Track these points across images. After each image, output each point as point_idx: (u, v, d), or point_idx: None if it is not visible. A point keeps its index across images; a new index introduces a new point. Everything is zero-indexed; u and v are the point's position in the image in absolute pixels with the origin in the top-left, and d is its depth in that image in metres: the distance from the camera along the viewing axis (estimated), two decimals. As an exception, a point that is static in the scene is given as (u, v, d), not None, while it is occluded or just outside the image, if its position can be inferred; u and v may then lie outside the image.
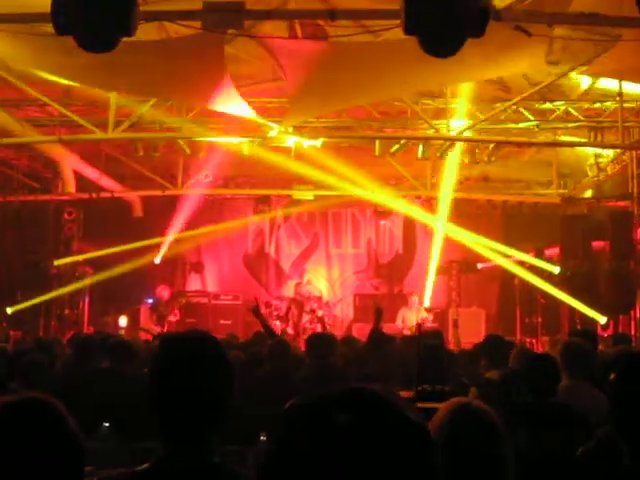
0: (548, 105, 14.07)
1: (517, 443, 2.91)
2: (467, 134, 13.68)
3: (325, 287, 20.10)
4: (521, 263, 17.45)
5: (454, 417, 2.73)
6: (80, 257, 17.95)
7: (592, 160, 16.06)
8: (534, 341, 17.68)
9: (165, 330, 16.79)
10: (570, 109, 14.14)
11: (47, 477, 1.86)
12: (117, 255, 17.76)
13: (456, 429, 2.69)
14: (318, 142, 14.02)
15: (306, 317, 17.83)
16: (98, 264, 18.24)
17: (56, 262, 17.27)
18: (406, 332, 16.00)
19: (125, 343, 7.62)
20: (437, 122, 13.91)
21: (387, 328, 16.20)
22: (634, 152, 14.83)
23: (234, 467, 2.47)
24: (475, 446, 2.68)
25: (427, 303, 18.49)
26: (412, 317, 17.15)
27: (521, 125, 14.48)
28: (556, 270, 16.53)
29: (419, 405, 4.08)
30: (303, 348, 9.07)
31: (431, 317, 17.69)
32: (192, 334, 2.71)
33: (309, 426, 1.28)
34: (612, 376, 2.74)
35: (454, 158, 15.18)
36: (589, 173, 16.54)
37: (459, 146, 14.65)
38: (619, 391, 2.70)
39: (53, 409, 1.96)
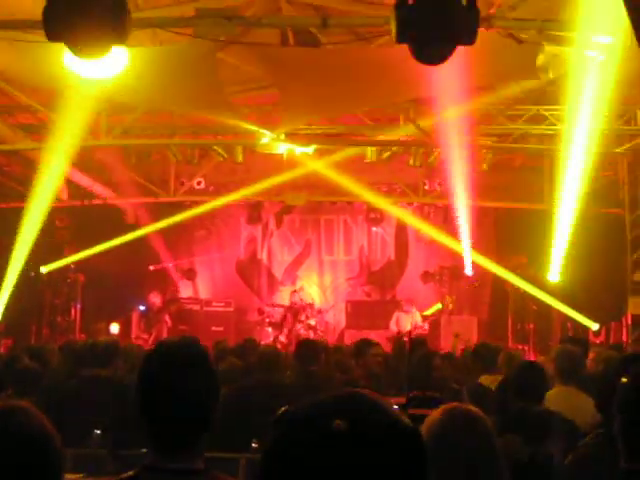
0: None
1: (507, 449, 2.93)
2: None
3: (317, 294, 20.08)
4: (514, 269, 17.46)
5: (447, 421, 2.76)
6: (68, 260, 17.77)
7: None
8: (526, 348, 17.68)
9: (154, 337, 16.77)
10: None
11: None
12: (109, 261, 17.75)
13: (449, 433, 2.71)
14: (310, 149, 14.03)
15: (299, 325, 17.84)
16: (89, 271, 18.20)
17: (43, 268, 17.09)
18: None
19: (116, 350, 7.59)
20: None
21: (379, 334, 16.31)
22: (625, 158, 14.89)
23: (220, 474, 2.50)
24: (467, 450, 2.70)
25: (426, 312, 18.52)
26: (406, 322, 17.20)
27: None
28: (554, 278, 16.47)
29: (410, 411, 4.08)
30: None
31: (426, 325, 17.72)
32: (179, 340, 2.73)
33: (305, 432, 1.29)
34: (624, 379, 2.75)
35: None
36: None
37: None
38: (631, 393, 2.70)
39: (30, 414, 1.96)
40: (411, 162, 15.34)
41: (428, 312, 18.44)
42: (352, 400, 1.34)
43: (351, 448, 1.25)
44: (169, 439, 2.45)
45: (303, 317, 17.94)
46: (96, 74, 9.50)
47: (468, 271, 18.16)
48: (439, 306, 17.74)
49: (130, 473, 2.41)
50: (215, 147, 15.06)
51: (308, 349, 7.88)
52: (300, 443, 1.28)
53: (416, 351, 7.07)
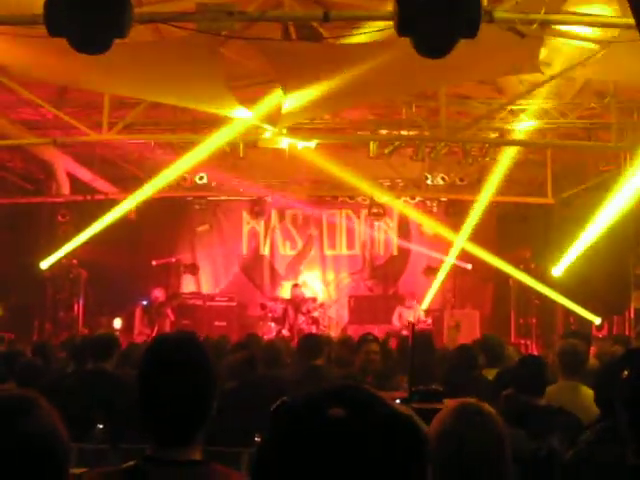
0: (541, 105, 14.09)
1: (510, 443, 2.93)
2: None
3: (320, 289, 20.08)
4: (516, 263, 17.45)
5: (458, 417, 2.76)
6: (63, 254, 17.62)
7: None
8: (529, 342, 17.69)
9: (156, 332, 16.77)
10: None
11: (26, 474, 1.86)
12: (112, 257, 17.76)
13: (459, 429, 2.72)
14: (312, 143, 14.02)
15: (302, 318, 17.83)
16: (92, 266, 18.22)
17: (42, 263, 16.89)
18: (404, 332, 16.03)
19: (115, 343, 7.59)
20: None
21: (382, 329, 16.33)
22: (627, 152, 14.85)
23: (219, 465, 2.53)
24: (477, 445, 2.70)
25: (425, 305, 18.57)
26: (409, 317, 17.20)
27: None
28: (556, 272, 16.46)
29: (414, 405, 4.08)
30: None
31: (430, 320, 17.77)
32: (178, 336, 2.76)
33: (302, 420, 1.30)
34: (625, 373, 2.74)
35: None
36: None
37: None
38: (633, 388, 2.69)
39: (38, 406, 1.96)
40: (413, 157, 15.34)
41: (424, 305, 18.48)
42: (349, 391, 1.35)
43: (348, 436, 1.26)
44: (168, 432, 2.50)
45: (305, 309, 17.92)
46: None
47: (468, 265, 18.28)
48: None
49: (130, 464, 2.46)
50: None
51: (311, 344, 7.88)
52: (297, 431, 1.30)
53: (420, 345, 7.06)
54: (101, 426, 5.54)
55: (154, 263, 19.39)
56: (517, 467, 2.99)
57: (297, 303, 18.06)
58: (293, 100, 11.85)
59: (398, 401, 3.70)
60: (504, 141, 15.13)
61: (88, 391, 6.29)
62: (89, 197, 17.43)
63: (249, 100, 13.16)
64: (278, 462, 1.30)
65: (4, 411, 1.91)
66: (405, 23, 6.05)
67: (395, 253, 20.47)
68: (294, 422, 1.31)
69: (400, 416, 1.33)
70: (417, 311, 17.67)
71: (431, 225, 18.79)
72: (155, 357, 2.61)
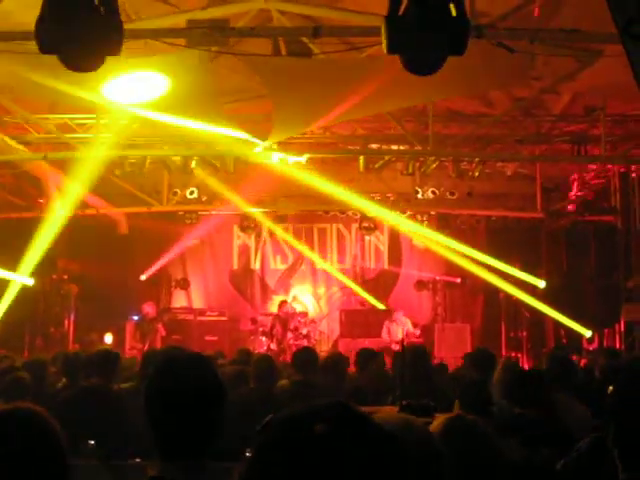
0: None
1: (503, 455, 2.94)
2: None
3: (311, 303, 20.08)
4: (506, 277, 17.47)
5: (449, 431, 2.77)
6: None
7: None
8: (519, 355, 17.71)
9: (147, 347, 16.73)
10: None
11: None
12: (102, 272, 17.72)
13: (451, 443, 2.73)
14: (303, 158, 14.05)
15: (290, 335, 17.80)
16: (83, 281, 18.17)
17: (29, 279, 16.63)
18: (394, 347, 16.03)
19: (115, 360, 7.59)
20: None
21: (373, 343, 16.32)
22: (617, 166, 14.94)
23: None
24: (469, 459, 2.72)
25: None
26: (398, 330, 17.20)
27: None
28: (541, 284, 16.56)
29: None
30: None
31: (418, 332, 17.76)
32: (189, 356, 2.72)
33: (288, 436, 1.33)
34: (611, 388, 2.75)
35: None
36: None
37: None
38: (619, 403, 2.71)
39: (41, 419, 1.98)
40: (404, 171, 15.38)
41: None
42: (335, 408, 1.38)
43: (332, 453, 1.29)
44: (178, 451, 2.47)
45: (292, 326, 17.88)
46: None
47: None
48: None
49: None
50: (208, 157, 15.05)
51: (306, 358, 7.89)
52: (283, 448, 1.32)
53: (413, 360, 7.07)
54: (92, 442, 5.53)
55: (143, 277, 19.35)
56: (510, 476, 3.00)
57: (284, 319, 18.02)
58: (283, 115, 11.90)
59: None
60: (493, 155, 15.20)
61: (79, 406, 6.28)
62: (80, 212, 17.38)
63: (239, 115, 13.21)
64: (263, 477, 1.32)
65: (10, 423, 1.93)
66: (393, 40, 6.08)
67: (386, 267, 20.49)
68: (280, 439, 1.33)
69: (384, 433, 1.36)
70: (406, 325, 17.64)
71: (422, 239, 18.81)
72: (171, 375, 2.58)
